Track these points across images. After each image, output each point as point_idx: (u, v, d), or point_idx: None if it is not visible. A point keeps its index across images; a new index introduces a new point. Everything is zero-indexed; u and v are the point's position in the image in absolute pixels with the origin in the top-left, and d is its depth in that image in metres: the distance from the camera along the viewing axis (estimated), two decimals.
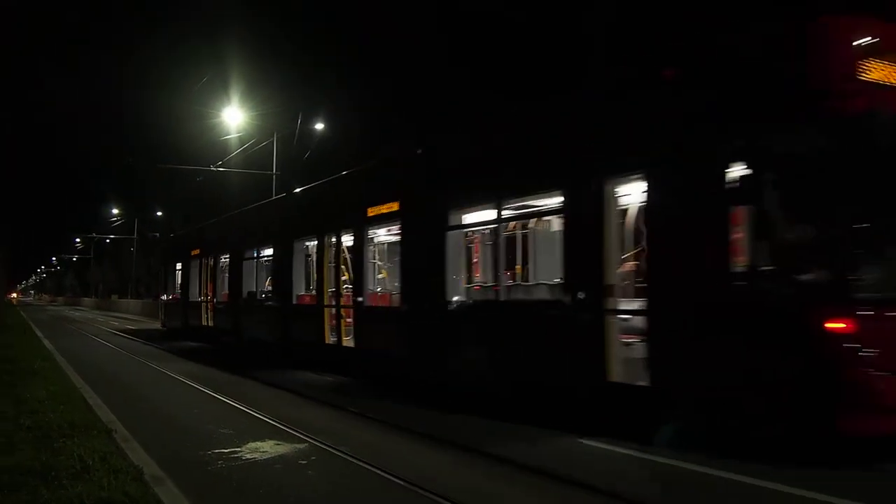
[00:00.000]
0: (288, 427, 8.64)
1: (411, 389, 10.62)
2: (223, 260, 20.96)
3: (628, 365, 7.50)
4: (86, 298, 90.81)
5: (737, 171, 6.27)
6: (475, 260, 10.70)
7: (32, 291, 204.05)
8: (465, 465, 6.73)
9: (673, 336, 6.97)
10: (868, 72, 6.01)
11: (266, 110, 29.99)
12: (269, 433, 8.47)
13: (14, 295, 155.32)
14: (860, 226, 6.04)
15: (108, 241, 77.63)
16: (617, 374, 7.55)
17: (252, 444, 8.00)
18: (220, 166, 30.90)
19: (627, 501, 5.31)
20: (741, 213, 6.30)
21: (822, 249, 5.96)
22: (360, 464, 6.86)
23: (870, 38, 6.04)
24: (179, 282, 25.54)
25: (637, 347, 7.42)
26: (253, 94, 29.85)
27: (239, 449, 7.87)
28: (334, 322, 13.34)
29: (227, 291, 20.29)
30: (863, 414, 5.74)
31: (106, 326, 35.94)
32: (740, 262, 6.35)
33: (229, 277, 20.10)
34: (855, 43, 6.05)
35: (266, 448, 7.84)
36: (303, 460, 7.30)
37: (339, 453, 7.34)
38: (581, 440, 7.32)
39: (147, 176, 47.92)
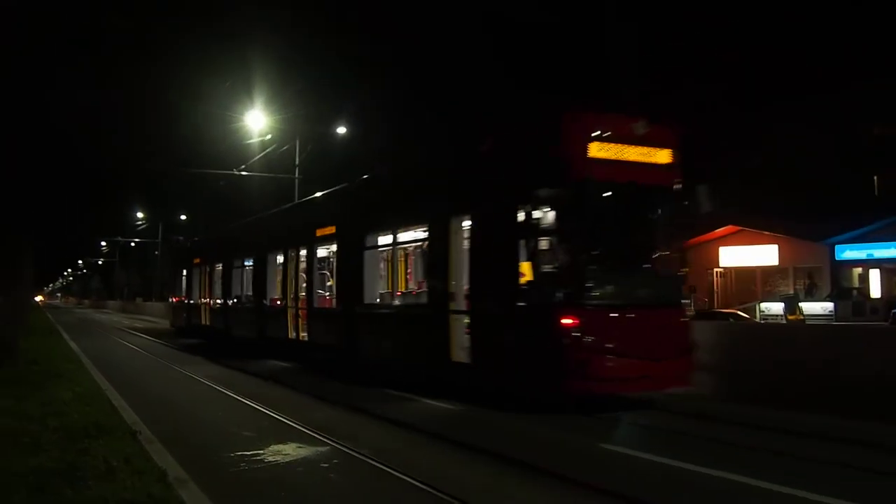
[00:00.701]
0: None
1: (344, 371, 13.85)
2: (217, 268, 24.29)
3: (463, 349, 10.58)
4: (111, 301, 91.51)
5: (521, 215, 9.26)
6: (383, 273, 13.89)
7: (59, 294, 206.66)
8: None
9: (482, 329, 10.19)
10: (593, 151, 9.06)
11: (289, 113, 30.14)
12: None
13: (40, 298, 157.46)
14: (588, 254, 9.01)
15: (132, 244, 78.33)
16: (457, 356, 10.71)
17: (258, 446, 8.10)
18: (242, 170, 30.99)
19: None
20: (522, 244, 9.31)
21: (564, 270, 8.94)
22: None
23: (596, 127, 9.11)
24: (184, 286, 29.37)
25: (466, 337, 10.53)
26: (276, 98, 29.92)
27: (261, 452, 7.93)
28: (294, 320, 16.66)
29: (219, 295, 23.63)
30: (585, 381, 8.70)
31: (130, 328, 36.34)
32: (521, 279, 9.27)
33: (221, 283, 23.42)
34: (586, 131, 9.09)
35: (287, 449, 7.96)
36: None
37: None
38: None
39: (171, 180, 48.42)
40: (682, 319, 9.89)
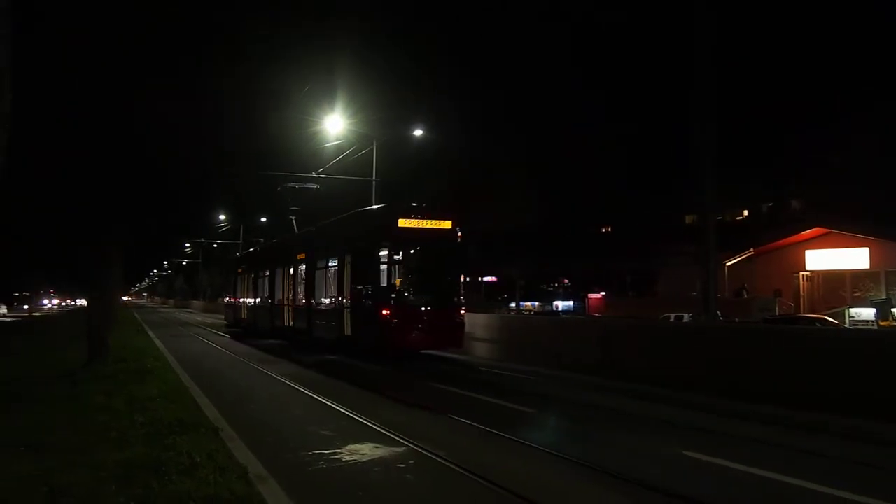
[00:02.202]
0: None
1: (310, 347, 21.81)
2: (250, 276, 33.41)
3: (351, 329, 18.84)
4: (195, 301, 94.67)
5: (368, 256, 18.35)
6: (325, 283, 21.88)
7: (145, 294, 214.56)
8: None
9: (354, 317, 18.57)
10: (400, 223, 17.92)
11: (366, 116, 30.45)
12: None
13: (127, 297, 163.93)
14: (397, 278, 17.97)
15: (215, 245, 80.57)
16: (347, 333, 19.00)
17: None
18: (321, 174, 31.43)
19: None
20: (369, 272, 18.22)
21: (386, 286, 17.92)
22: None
23: (402, 212, 18.02)
24: (232, 289, 38.83)
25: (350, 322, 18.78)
26: (354, 101, 30.28)
27: (339, 451, 8.00)
28: (287, 315, 25.44)
29: (250, 296, 33.09)
30: (394, 347, 17.41)
31: (210, 326, 37.52)
32: (369, 290, 18.08)
33: (252, 287, 32.70)
34: (396, 213, 18.11)
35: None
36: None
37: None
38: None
39: (251, 184, 49.63)
40: (457, 313, 18.36)
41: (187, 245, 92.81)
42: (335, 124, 29.12)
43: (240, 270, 36.80)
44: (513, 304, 63.06)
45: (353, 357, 18.87)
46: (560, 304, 64.30)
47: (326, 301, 21.46)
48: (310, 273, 23.39)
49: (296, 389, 13.02)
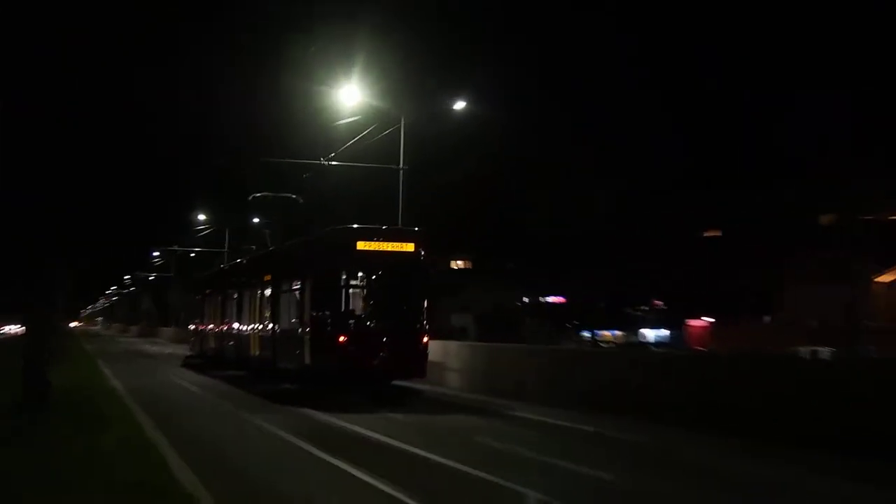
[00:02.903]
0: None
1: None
2: (217, 299, 37.53)
3: (311, 358, 22.14)
4: (165, 328, 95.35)
5: (339, 278, 22.37)
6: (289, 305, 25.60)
7: (100, 319, 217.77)
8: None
9: (313, 346, 22.14)
10: (359, 246, 21.88)
11: (389, 87, 30.53)
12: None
13: (76, 323, 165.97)
14: (356, 303, 22.35)
15: (192, 254, 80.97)
16: (307, 362, 22.17)
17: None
18: (332, 159, 31.50)
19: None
20: (323, 297, 22.65)
21: (338, 310, 21.98)
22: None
23: (360, 234, 22.24)
24: (200, 314, 42.16)
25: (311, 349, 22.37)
26: (372, 69, 30.28)
27: None
28: (256, 343, 28.71)
29: (217, 323, 37.14)
30: (354, 377, 21.73)
31: (182, 362, 37.94)
32: (328, 315, 22.20)
33: (219, 312, 36.74)
34: (355, 237, 22.14)
35: None
36: None
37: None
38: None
39: (242, 176, 50.18)
40: (420, 340, 21.83)
41: (156, 254, 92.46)
42: (351, 96, 28.77)
43: (206, 292, 41.21)
44: (586, 333, 62.88)
45: (311, 387, 22.73)
46: (650, 334, 63.86)
47: (289, 328, 24.85)
48: (274, 297, 27.10)
49: (297, 446, 13.16)
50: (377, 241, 22.34)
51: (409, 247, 22.67)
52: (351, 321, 21.76)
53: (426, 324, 22.51)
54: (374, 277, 22.38)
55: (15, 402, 15.98)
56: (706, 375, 16.43)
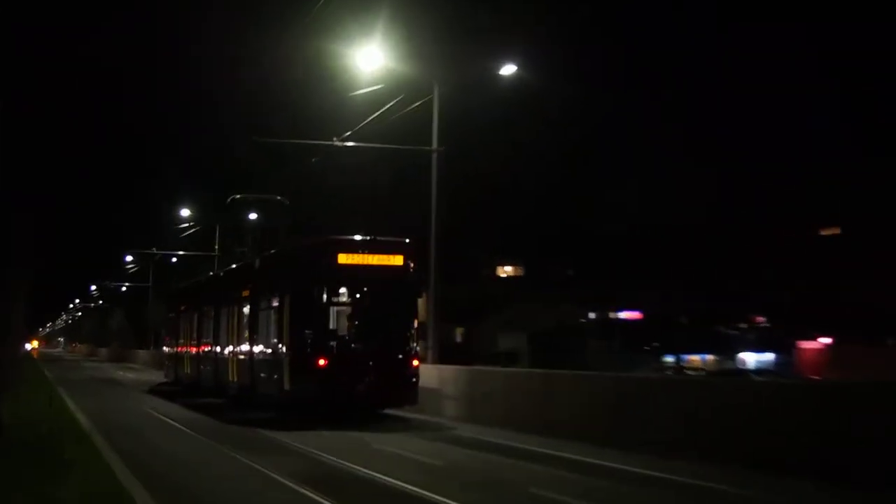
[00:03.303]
0: None
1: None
2: (193, 317, 40.67)
3: (290, 383, 25.25)
4: (142, 351, 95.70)
5: (318, 295, 25.38)
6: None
7: (62, 339, 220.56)
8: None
9: (292, 369, 25.18)
10: (340, 259, 25.01)
11: (419, 49, 30.43)
12: None
13: (34, 345, 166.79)
14: (336, 320, 25.27)
15: (174, 259, 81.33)
16: (286, 388, 25.21)
17: None
18: (346, 139, 31.47)
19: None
20: (303, 316, 25.67)
21: (317, 330, 24.98)
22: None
23: (341, 245, 25.45)
24: (174, 334, 45.92)
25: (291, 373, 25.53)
26: (398, 25, 30.13)
27: None
28: (234, 368, 31.65)
29: (193, 344, 40.27)
30: (335, 403, 24.30)
31: (159, 392, 38.32)
32: (307, 335, 25.29)
33: (195, 332, 39.89)
34: (335, 248, 25.30)
35: None
36: None
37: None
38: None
39: (235, 162, 50.47)
40: (409, 364, 24.58)
41: (129, 259, 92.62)
42: (371, 59, 28.38)
43: (181, 309, 44.97)
44: (669, 358, 62.62)
45: (294, 416, 24.76)
46: (750, 358, 63.39)
47: (267, 351, 27.71)
48: (253, 316, 29.89)
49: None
50: (361, 253, 25.03)
51: (397, 260, 25.23)
52: (333, 342, 24.56)
53: (416, 345, 25.56)
54: (358, 294, 25.24)
55: None
56: (833, 412, 16.15)
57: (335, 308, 25.01)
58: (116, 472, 14.50)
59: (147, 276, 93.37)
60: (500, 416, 23.99)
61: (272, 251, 31.98)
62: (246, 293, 31.39)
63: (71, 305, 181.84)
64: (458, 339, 78.26)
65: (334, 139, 31.35)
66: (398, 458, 17.92)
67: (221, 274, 43.29)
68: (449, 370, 27.54)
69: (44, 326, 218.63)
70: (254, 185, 64.67)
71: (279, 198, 37.25)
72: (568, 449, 19.23)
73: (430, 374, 26.93)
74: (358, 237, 25.66)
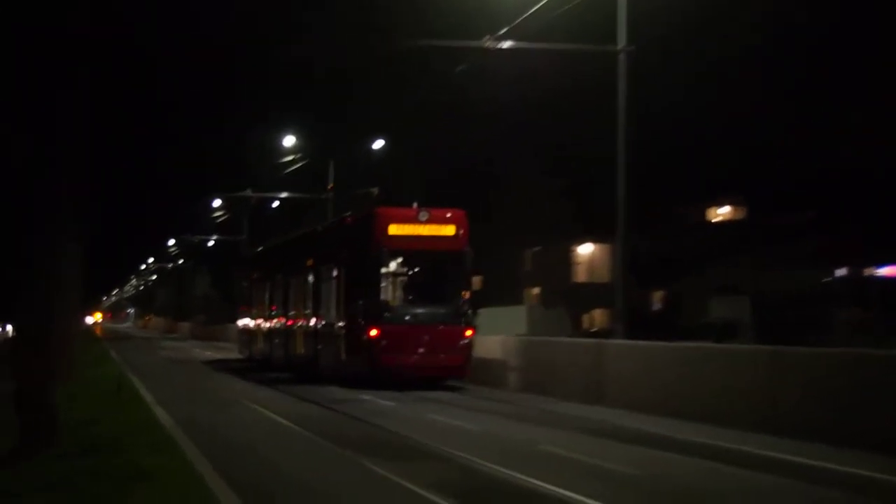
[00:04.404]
0: None
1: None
2: (266, 287, 51.95)
3: (346, 354, 36.78)
4: (233, 325, 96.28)
5: (369, 266, 35.51)
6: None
7: (131, 311, 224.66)
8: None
9: (347, 341, 36.24)
10: (392, 231, 34.92)
11: None
12: None
13: (96, 318, 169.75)
14: (388, 293, 35.38)
15: (274, 204, 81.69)
16: (343, 359, 36.49)
17: None
18: (501, 39, 31.24)
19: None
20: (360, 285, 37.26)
21: (371, 301, 34.58)
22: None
23: (394, 216, 35.77)
24: (248, 305, 57.68)
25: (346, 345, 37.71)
26: None
27: None
28: (301, 340, 41.76)
29: (265, 316, 51.23)
30: (386, 374, 34.11)
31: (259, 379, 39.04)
32: (359, 306, 36.03)
33: (267, 302, 50.73)
34: (387, 220, 35.26)
35: None
36: None
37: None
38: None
39: (347, 76, 50.69)
40: (462, 334, 33.56)
41: (217, 204, 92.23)
42: None
43: (253, 277, 57.87)
44: None
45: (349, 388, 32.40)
46: None
47: (327, 322, 37.23)
48: (315, 286, 39.75)
49: None
50: (413, 223, 33.30)
51: (449, 230, 33.67)
52: (386, 313, 32.84)
53: (469, 316, 33.84)
54: (410, 265, 33.80)
55: (9, 445, 16.44)
56: None
57: (387, 279, 33.31)
58: (213, 488, 14.63)
59: (240, 226, 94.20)
60: (634, 399, 27.32)
61: (331, 220, 42.55)
62: (310, 262, 41.00)
63: (143, 266, 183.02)
64: (657, 306, 77.75)
65: (486, 39, 31.18)
66: (564, 462, 18.47)
67: (290, 239, 53.22)
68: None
69: (108, 293, 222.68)
70: (375, 109, 65.61)
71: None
72: (779, 448, 19.56)
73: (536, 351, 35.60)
74: (410, 207, 33.91)
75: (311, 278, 40.12)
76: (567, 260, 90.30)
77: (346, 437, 22.22)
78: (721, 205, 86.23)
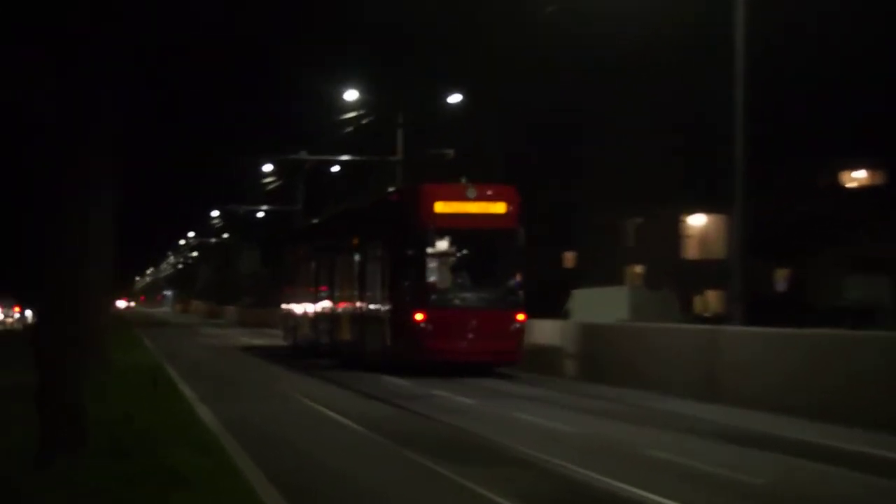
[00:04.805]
0: None
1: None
2: (309, 266, 55.83)
3: (391, 339, 41.14)
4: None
5: (414, 246, 39.65)
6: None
7: (168, 293, 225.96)
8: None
9: (392, 325, 39.85)
10: (438, 208, 39.02)
11: None
12: None
13: (128, 303, 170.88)
14: (435, 274, 39.71)
15: (333, 168, 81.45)
16: (388, 344, 40.22)
17: None
18: None
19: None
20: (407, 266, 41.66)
21: (416, 284, 38.83)
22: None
23: (440, 193, 40.19)
24: (291, 286, 61.99)
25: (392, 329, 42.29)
26: None
27: None
28: (346, 324, 46.09)
29: (309, 297, 54.51)
30: (431, 359, 37.58)
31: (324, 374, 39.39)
32: (404, 289, 40.48)
33: (312, 282, 54.21)
34: (433, 196, 39.50)
35: None
36: None
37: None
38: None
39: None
40: (513, 318, 36.79)
41: (267, 168, 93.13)
42: None
43: (297, 256, 62.12)
44: None
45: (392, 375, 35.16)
46: None
47: (372, 306, 40.31)
48: (360, 267, 42.76)
49: None
50: (460, 201, 36.33)
51: (499, 208, 36.45)
52: (432, 296, 35.92)
53: (522, 298, 36.55)
54: (458, 245, 36.42)
55: (25, 450, 16.58)
56: None
57: (434, 260, 36.31)
58: (263, 498, 14.78)
59: (294, 195, 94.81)
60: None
61: (380, 197, 45.22)
62: (355, 241, 44.47)
63: (182, 241, 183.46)
64: (781, 286, 77.27)
65: None
66: (676, 470, 18.49)
67: (334, 216, 59.27)
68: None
69: (141, 273, 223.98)
70: (450, 60, 65.61)
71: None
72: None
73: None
74: (457, 184, 36.96)
75: (356, 258, 43.20)
76: (676, 232, 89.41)
77: (420, 439, 22.23)
78: (856, 168, 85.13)
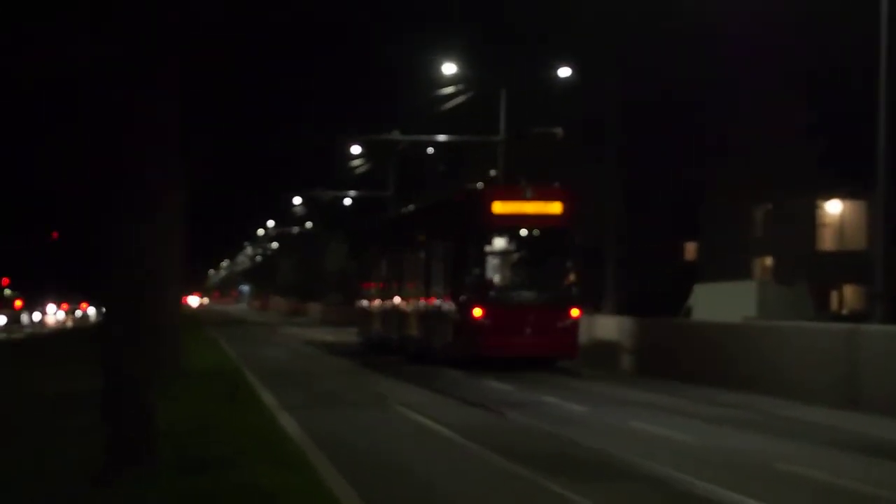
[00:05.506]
0: None
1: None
2: (385, 262, 63.41)
3: (452, 335, 50.45)
4: None
5: (472, 245, 49.42)
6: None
7: (245, 287, 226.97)
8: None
9: (454, 321, 47.99)
10: (496, 209, 47.81)
11: None
12: None
13: (200, 300, 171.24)
14: (493, 272, 49.51)
15: (429, 150, 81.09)
16: (449, 340, 48.59)
17: None
18: None
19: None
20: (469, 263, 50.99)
21: (475, 281, 47.15)
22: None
23: (498, 194, 51.62)
24: (368, 281, 68.82)
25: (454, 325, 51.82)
26: None
27: None
28: (415, 320, 54.07)
29: (383, 293, 62.80)
30: (488, 355, 45.59)
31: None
32: (462, 286, 49.43)
33: (387, 278, 62.25)
34: (491, 197, 49.08)
35: None
36: None
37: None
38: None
39: None
40: (568, 314, 43.46)
41: (356, 150, 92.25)
42: None
43: (371, 252, 68.89)
44: None
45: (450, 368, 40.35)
46: None
47: (436, 303, 45.74)
48: (426, 265, 48.67)
49: None
50: (518, 201, 42.01)
51: (555, 208, 41.98)
52: (491, 292, 41.65)
53: (577, 294, 42.17)
54: (512, 243, 42.24)
55: (96, 458, 16.63)
56: None
57: (492, 258, 42.51)
58: None
59: (385, 179, 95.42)
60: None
61: (440, 197, 52.13)
62: (422, 239, 51.33)
63: (261, 231, 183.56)
64: None
65: None
66: (816, 488, 18.50)
67: (406, 213, 66.95)
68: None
69: (215, 267, 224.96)
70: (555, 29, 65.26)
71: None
72: None
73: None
74: (515, 185, 42.98)
75: (422, 256, 49.85)
76: (810, 220, 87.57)
77: (531, 454, 22.12)
78: None
